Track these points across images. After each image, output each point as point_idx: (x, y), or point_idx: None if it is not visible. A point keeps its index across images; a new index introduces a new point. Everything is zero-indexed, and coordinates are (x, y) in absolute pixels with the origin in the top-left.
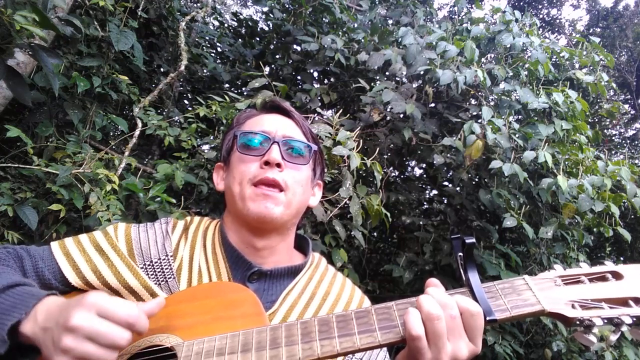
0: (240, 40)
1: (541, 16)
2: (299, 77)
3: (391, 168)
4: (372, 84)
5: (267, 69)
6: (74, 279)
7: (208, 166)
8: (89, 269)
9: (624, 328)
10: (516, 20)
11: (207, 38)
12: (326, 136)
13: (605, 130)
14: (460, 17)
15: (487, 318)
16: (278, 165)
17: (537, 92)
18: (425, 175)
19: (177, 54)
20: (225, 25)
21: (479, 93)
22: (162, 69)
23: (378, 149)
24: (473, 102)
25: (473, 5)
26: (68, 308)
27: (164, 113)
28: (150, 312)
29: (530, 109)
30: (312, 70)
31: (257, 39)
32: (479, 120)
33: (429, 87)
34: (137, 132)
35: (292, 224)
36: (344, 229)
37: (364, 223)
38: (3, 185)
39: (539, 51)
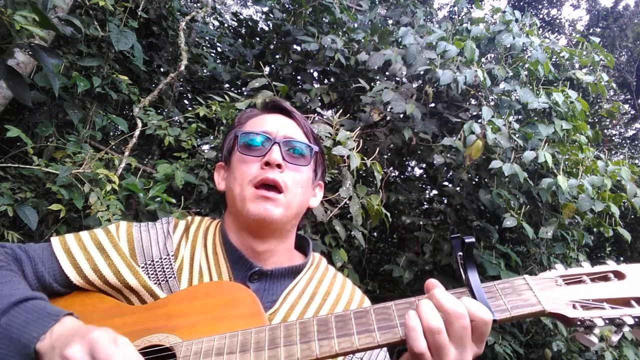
0: (240, 40)
1: (541, 16)
2: (299, 77)
3: (391, 168)
4: (372, 84)
5: (267, 69)
6: (74, 277)
7: (208, 166)
8: (90, 268)
9: (626, 329)
10: (516, 20)
11: (207, 38)
12: (326, 136)
13: (605, 130)
14: (460, 17)
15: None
16: (278, 166)
17: (537, 92)
18: (425, 175)
19: (177, 54)
20: (225, 25)
21: (479, 93)
22: (162, 69)
23: (378, 149)
24: (473, 102)
25: (473, 5)
26: (74, 336)
27: (164, 113)
28: None
29: (530, 109)
30: (312, 70)
31: (257, 39)
32: (479, 120)
33: (429, 87)
34: (137, 132)
35: (293, 225)
36: (344, 229)
37: (364, 223)
38: (3, 185)
39: (539, 51)
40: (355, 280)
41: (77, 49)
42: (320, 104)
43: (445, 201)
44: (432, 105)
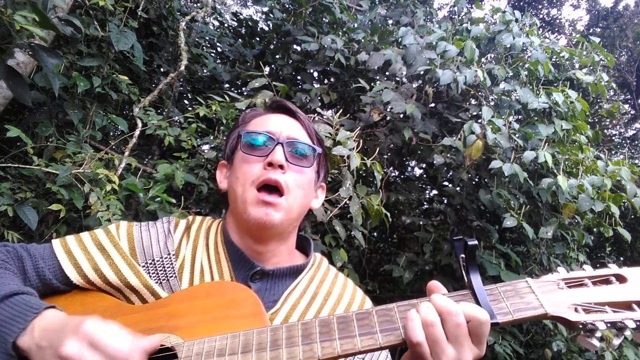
0: (240, 40)
1: (541, 16)
2: (299, 77)
3: (391, 168)
4: (372, 84)
5: (267, 69)
6: (75, 277)
7: (208, 166)
8: (90, 267)
9: (628, 332)
10: (516, 20)
11: (207, 38)
12: (326, 136)
13: (605, 130)
14: (460, 17)
15: (490, 321)
16: (281, 166)
17: (537, 92)
18: (425, 175)
19: (177, 54)
20: (225, 25)
21: (479, 93)
22: (162, 69)
23: (378, 149)
24: (473, 102)
25: (473, 5)
26: (64, 332)
27: (164, 113)
28: (143, 349)
29: (530, 109)
30: (312, 70)
31: (257, 39)
32: (479, 120)
33: (429, 87)
34: (137, 132)
35: (294, 227)
36: (344, 229)
37: (364, 223)
38: (3, 185)
39: (539, 51)
40: (355, 280)
41: (77, 49)
42: (320, 104)
43: (445, 201)
44: (432, 105)
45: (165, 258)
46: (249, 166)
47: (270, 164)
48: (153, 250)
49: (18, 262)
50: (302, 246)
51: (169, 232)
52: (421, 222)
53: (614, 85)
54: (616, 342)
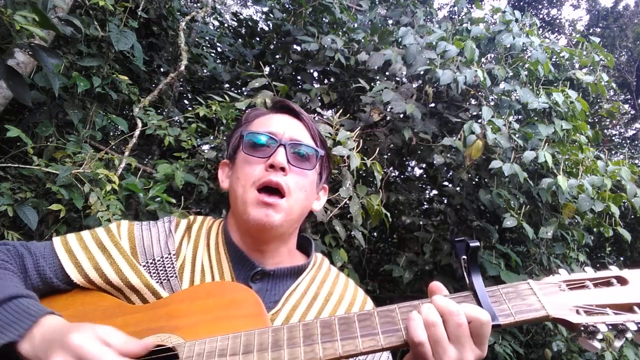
0: (240, 40)
1: (541, 16)
2: (299, 77)
3: (391, 168)
4: (372, 84)
5: (267, 69)
6: (75, 276)
7: (208, 166)
8: (91, 267)
9: (629, 334)
10: (516, 20)
11: (207, 38)
12: (326, 136)
13: (605, 130)
14: (460, 17)
15: (492, 323)
16: (282, 169)
17: (537, 92)
18: (425, 175)
19: (177, 54)
20: (225, 25)
21: (479, 93)
22: (162, 69)
23: (378, 149)
24: (473, 102)
25: (473, 5)
26: (53, 344)
27: (164, 113)
28: (135, 353)
29: (530, 109)
30: (312, 70)
31: (257, 39)
32: (479, 120)
33: (429, 87)
34: (137, 132)
35: (294, 229)
36: (344, 229)
37: (364, 223)
38: (3, 185)
39: (539, 51)
40: (355, 280)
41: (77, 49)
42: (320, 104)
43: (445, 201)
44: (432, 105)
45: (166, 258)
46: (250, 167)
47: (271, 166)
48: (154, 249)
49: (19, 261)
50: (304, 246)
51: (170, 231)
52: (421, 222)
53: (614, 85)
54: (617, 344)
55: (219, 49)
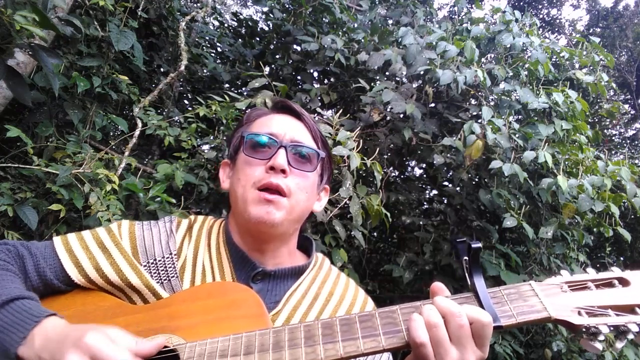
0: (240, 40)
1: (541, 16)
2: (299, 77)
3: (391, 168)
4: (372, 84)
5: (267, 69)
6: (76, 276)
7: (208, 166)
8: (92, 267)
9: (630, 336)
10: (516, 20)
11: (207, 38)
12: (326, 136)
13: (605, 130)
14: (460, 17)
15: (494, 325)
16: (283, 171)
17: (537, 92)
18: (425, 175)
19: (177, 54)
20: (225, 25)
21: (479, 93)
22: (162, 69)
23: (378, 149)
24: (473, 102)
25: (473, 5)
26: (65, 343)
27: (164, 113)
28: (146, 353)
29: (530, 109)
30: (312, 70)
31: (257, 39)
32: (479, 120)
33: (429, 87)
34: (137, 132)
35: (295, 230)
36: (344, 229)
37: (364, 223)
38: (3, 185)
39: (539, 51)
40: (355, 280)
41: (77, 49)
42: (320, 104)
43: (445, 201)
44: (432, 105)
45: (167, 258)
46: (251, 168)
47: (272, 168)
48: (155, 249)
49: (19, 262)
50: (304, 246)
51: (171, 231)
52: (421, 222)
53: (614, 85)
54: (619, 345)
55: (219, 49)
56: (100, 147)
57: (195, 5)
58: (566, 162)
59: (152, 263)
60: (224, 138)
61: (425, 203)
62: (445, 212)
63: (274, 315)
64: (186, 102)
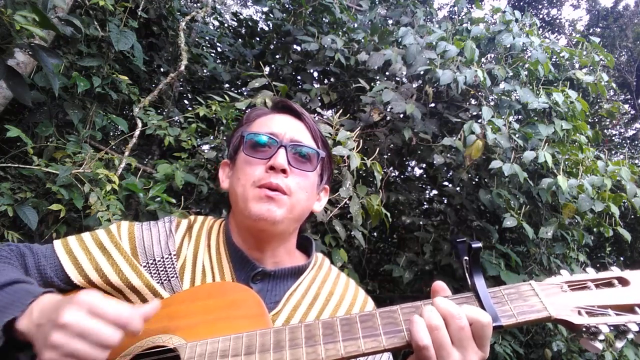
0: (240, 40)
1: (541, 16)
2: (299, 77)
3: (391, 168)
4: (372, 84)
5: (267, 69)
6: (76, 277)
7: (208, 166)
8: (92, 268)
9: (630, 335)
10: (516, 20)
11: (207, 38)
12: (326, 136)
13: (605, 130)
14: (460, 17)
15: (494, 324)
16: (283, 170)
17: (537, 92)
18: (425, 175)
19: (177, 54)
20: (225, 25)
21: (479, 93)
22: (162, 69)
23: (378, 149)
24: (473, 102)
25: (473, 5)
26: (61, 305)
27: (164, 113)
28: (144, 314)
29: (530, 109)
30: (312, 70)
31: (257, 39)
32: (479, 120)
33: (429, 87)
34: (137, 132)
35: (294, 229)
36: (344, 229)
37: (364, 223)
38: (3, 185)
39: (539, 51)
40: (355, 280)
41: (77, 49)
42: (320, 104)
43: (445, 201)
44: (432, 105)
45: (167, 258)
46: (250, 168)
47: (272, 168)
48: (154, 250)
49: (20, 259)
50: (304, 246)
51: (171, 232)
52: (421, 222)
53: (614, 85)
54: (619, 344)
55: (219, 49)
56: (100, 147)
57: (195, 5)
58: (566, 162)
59: (151, 263)
60: (224, 138)
61: (425, 203)
62: (445, 212)
63: (274, 315)
64: (186, 102)
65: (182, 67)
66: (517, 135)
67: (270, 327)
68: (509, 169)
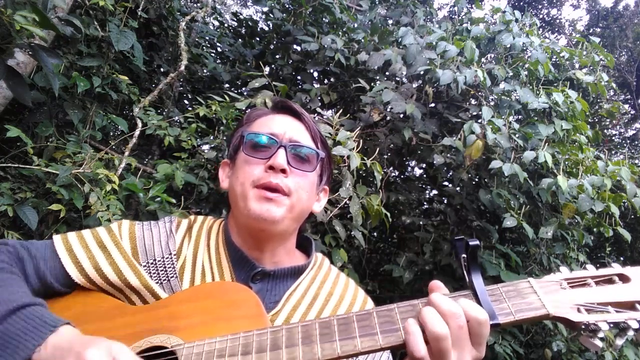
0: (240, 40)
1: (541, 16)
2: (299, 77)
3: (391, 168)
4: (372, 84)
5: (267, 69)
6: (76, 276)
7: (208, 166)
8: (91, 266)
9: (630, 332)
10: (516, 20)
11: (207, 38)
12: (326, 136)
13: (605, 130)
14: (460, 17)
15: (491, 322)
16: (283, 170)
17: (537, 92)
18: (425, 175)
19: (177, 54)
20: (225, 25)
21: (479, 93)
22: (162, 69)
23: (378, 149)
24: (473, 102)
25: (473, 5)
26: (68, 356)
27: (164, 113)
28: None
29: (530, 109)
30: (312, 70)
31: (257, 39)
32: (479, 120)
33: (429, 87)
34: (137, 132)
35: (294, 229)
36: (344, 229)
37: (364, 223)
38: (3, 185)
39: (539, 51)
40: (355, 280)
41: (77, 49)
42: (320, 104)
43: (445, 201)
44: (432, 105)
45: (167, 258)
46: (250, 167)
47: (271, 167)
48: (155, 250)
49: (19, 264)
50: (304, 246)
51: (171, 232)
52: (421, 222)
53: (614, 85)
54: (619, 342)
55: (219, 49)
56: (100, 147)
57: (195, 5)
58: (566, 162)
59: (151, 263)
60: (224, 138)
61: (425, 203)
62: (445, 212)
63: (274, 315)
64: (186, 102)
65: (182, 67)
66: (517, 135)
67: (269, 327)
68: (509, 169)
